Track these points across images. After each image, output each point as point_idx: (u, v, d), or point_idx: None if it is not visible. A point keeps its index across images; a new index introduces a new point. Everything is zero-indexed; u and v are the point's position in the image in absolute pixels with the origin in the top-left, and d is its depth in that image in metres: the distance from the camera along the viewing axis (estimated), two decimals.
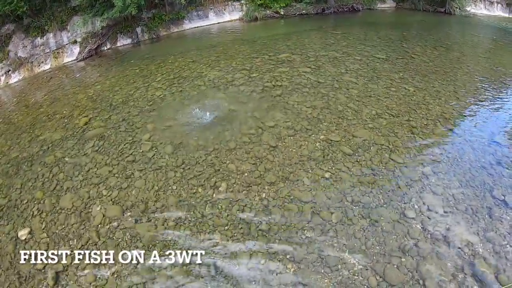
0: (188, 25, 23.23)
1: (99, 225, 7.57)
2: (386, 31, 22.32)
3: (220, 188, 8.19)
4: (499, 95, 13.68)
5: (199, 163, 9.03)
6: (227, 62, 15.23)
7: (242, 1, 25.01)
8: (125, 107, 12.10)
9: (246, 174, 8.59)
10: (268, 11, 25.28)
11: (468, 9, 31.05)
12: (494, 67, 17.18)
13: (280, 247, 6.82)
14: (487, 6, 33.89)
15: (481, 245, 6.91)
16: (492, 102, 12.97)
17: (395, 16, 29.47)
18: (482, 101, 12.97)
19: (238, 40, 19.42)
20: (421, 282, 6.17)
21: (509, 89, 14.58)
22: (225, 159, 9.11)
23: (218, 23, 24.12)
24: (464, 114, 11.87)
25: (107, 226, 7.53)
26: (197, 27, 23.36)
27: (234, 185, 8.28)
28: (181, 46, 19.26)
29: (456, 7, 30.36)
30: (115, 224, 7.57)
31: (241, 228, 7.24)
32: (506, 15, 33.50)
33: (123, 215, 7.74)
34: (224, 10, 24.65)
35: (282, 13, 25.63)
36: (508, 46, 22.81)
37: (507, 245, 6.92)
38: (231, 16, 24.83)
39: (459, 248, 6.79)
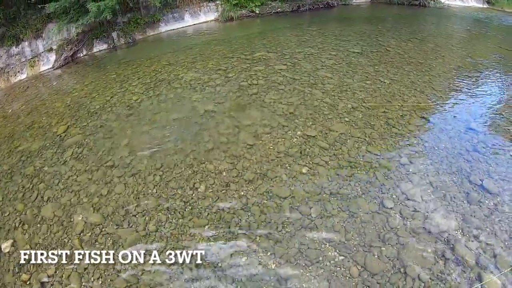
0: (164, 28, 23.10)
1: (81, 233, 7.56)
2: (361, 26, 22.54)
3: (199, 189, 8.25)
4: (473, 84, 13.96)
5: (177, 165, 9.07)
6: (203, 63, 15.27)
7: (218, 2, 24.96)
8: (102, 113, 12.06)
9: (224, 173, 8.67)
10: (243, 11, 25.28)
11: (442, 1, 31.37)
12: (469, 57, 17.49)
13: (261, 244, 6.88)
14: None
15: (460, 230, 7.08)
16: (467, 91, 13.24)
17: (370, 10, 29.70)
18: (457, 90, 13.24)
19: (214, 40, 19.43)
20: (402, 270, 6.30)
21: (483, 78, 14.90)
22: (203, 160, 9.16)
23: (194, 24, 24.03)
24: (439, 103, 12.10)
25: (89, 233, 7.54)
26: (173, 29, 23.23)
27: (213, 185, 8.34)
28: (158, 49, 19.18)
29: (431, 0, 30.68)
30: (97, 230, 7.57)
31: (222, 227, 7.30)
32: (480, 5, 33.90)
33: (105, 221, 7.75)
34: (200, 11, 24.56)
35: (257, 12, 25.65)
36: (482, 36, 23.17)
37: (487, 229, 7.11)
38: (207, 17, 24.75)
39: (439, 234, 6.96)
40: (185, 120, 10.97)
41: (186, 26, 23.84)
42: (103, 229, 7.59)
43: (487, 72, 15.68)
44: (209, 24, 24.25)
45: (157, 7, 21.51)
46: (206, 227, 7.34)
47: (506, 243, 6.86)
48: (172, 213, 7.73)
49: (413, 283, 6.12)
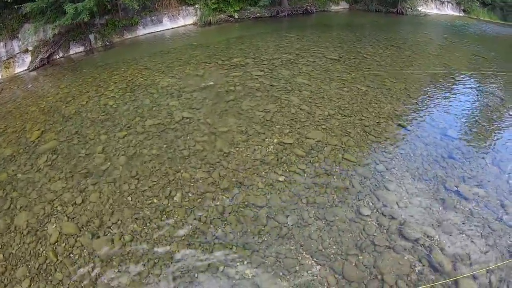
0: (142, 31, 22.97)
1: (56, 244, 7.39)
2: (339, 32, 22.76)
3: (175, 198, 8.18)
4: (449, 91, 14.27)
5: (153, 173, 9.00)
6: (180, 69, 15.23)
7: (196, 6, 24.94)
8: (78, 118, 11.88)
9: (200, 181, 8.62)
10: (222, 15, 25.40)
11: (419, 9, 32.06)
12: (445, 64, 17.82)
13: (238, 253, 6.86)
14: (438, 6, 34.96)
15: (437, 236, 7.22)
16: (442, 98, 13.52)
17: (348, 17, 30.06)
18: (433, 97, 13.50)
19: (191, 45, 19.39)
20: (379, 277, 6.35)
21: (459, 85, 15.23)
22: (179, 168, 9.12)
23: (172, 28, 23.99)
24: (415, 110, 12.32)
25: (64, 244, 7.37)
26: (151, 32, 23.15)
27: (189, 194, 8.28)
28: (135, 52, 19.03)
29: (408, 7, 31.32)
30: (71, 241, 7.41)
31: (198, 237, 7.24)
32: (457, 14, 34.71)
33: (80, 231, 7.58)
34: (178, 15, 24.52)
35: (236, 16, 25.81)
36: (458, 44, 23.68)
37: (463, 234, 7.29)
38: (185, 20, 24.74)
39: (415, 240, 7.07)
40: (161, 126, 10.89)
41: (164, 30, 23.78)
42: (78, 240, 7.42)
43: (462, 79, 16.01)
44: (187, 28, 24.25)
45: (135, 9, 21.33)
46: (183, 237, 7.26)
47: (482, 248, 7.02)
48: (148, 223, 7.62)
49: None
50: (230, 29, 23.96)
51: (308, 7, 28.82)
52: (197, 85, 13.39)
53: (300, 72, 14.59)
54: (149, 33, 23.12)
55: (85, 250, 7.20)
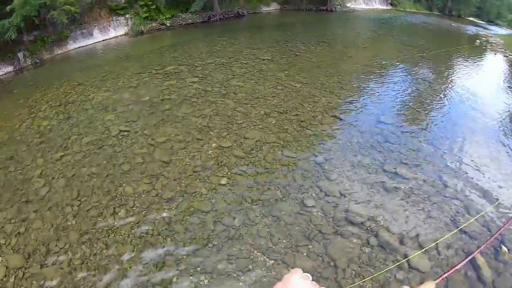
0: (73, 45, 22.35)
1: (4, 279, 7.07)
2: (271, 33, 23.26)
3: (120, 214, 8.09)
4: (380, 80, 15.01)
5: (95, 192, 8.83)
6: (114, 81, 15.02)
7: (127, 16, 24.57)
8: (11, 143, 11.42)
9: (143, 195, 8.57)
10: (154, 24, 25.28)
11: (348, 5, 33.38)
12: (375, 55, 18.64)
13: (189, 261, 6.86)
14: (366, 1, 36.45)
15: (381, 217, 7.56)
16: (375, 87, 14.21)
17: (280, 17, 30.69)
18: (365, 87, 14.15)
19: (124, 56, 19.13)
20: (332, 263, 6.53)
21: (389, 73, 16.03)
22: (121, 183, 9.02)
23: (104, 40, 23.48)
24: (349, 101, 12.86)
25: (12, 279, 7.05)
26: (82, 46, 22.56)
27: (134, 208, 8.21)
28: (67, 68, 18.57)
29: (337, 4, 32.51)
30: (20, 274, 7.10)
31: (147, 250, 7.20)
32: (384, 7, 36.25)
33: (27, 262, 7.29)
34: (109, 26, 24.07)
35: (168, 24, 25.77)
36: (387, 35, 24.82)
37: (406, 212, 7.71)
38: (117, 31, 24.32)
39: (361, 224, 7.37)
40: (99, 143, 10.70)
41: (95, 42, 23.23)
42: (27, 271, 7.12)
43: (392, 68, 16.83)
44: (119, 39, 23.86)
45: (64, 23, 20.63)
46: (133, 253, 7.16)
47: (426, 221, 7.49)
48: (96, 243, 7.48)
49: (344, 273, 6.35)
50: (162, 37, 23.86)
51: (240, 10, 29.32)
52: (132, 97, 13.29)
53: (234, 75, 14.82)
54: (80, 47, 22.53)
55: (34, 282, 6.92)
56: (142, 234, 7.59)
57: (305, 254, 6.79)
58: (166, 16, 25.86)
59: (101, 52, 21.58)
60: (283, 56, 17.87)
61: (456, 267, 3.08)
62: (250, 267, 6.65)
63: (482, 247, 4.17)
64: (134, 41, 23.46)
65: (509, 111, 13.96)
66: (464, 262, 3.51)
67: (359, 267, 6.48)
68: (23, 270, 7.21)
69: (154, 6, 25.36)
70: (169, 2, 26.32)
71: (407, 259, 6.51)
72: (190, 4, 26.58)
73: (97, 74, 16.40)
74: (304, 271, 1.35)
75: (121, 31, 24.59)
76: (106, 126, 11.50)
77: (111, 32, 24.25)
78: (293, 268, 6.01)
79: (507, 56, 26.69)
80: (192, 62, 16.65)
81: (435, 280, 2.11)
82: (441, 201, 8.14)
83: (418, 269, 6.45)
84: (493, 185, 8.97)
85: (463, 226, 7.28)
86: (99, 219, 8.09)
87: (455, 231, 7.19)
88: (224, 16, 28.39)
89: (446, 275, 2.78)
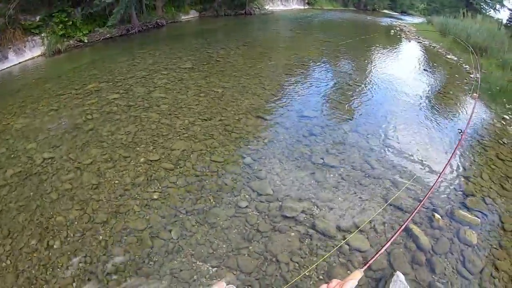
0: None
1: None
2: (191, 41, 23.41)
3: (55, 246, 7.74)
4: (302, 76, 15.69)
5: (26, 227, 8.39)
6: (34, 106, 14.43)
7: (43, 34, 23.60)
8: None
9: (76, 222, 8.31)
10: (71, 41, 24.44)
11: (266, 7, 34.20)
12: (294, 54, 19.21)
13: (134, 282, 6.72)
14: (284, 2, 37.48)
15: (315, 207, 7.85)
16: (297, 85, 14.82)
17: (199, 25, 30.84)
18: (287, 86, 14.68)
19: (42, 78, 18.37)
20: (274, 259, 6.66)
21: (310, 69, 16.78)
22: (52, 213, 8.65)
23: (20, 62, 22.38)
24: (272, 100, 13.24)
25: None
26: None
27: (68, 238, 7.92)
28: None
29: (255, 7, 33.18)
30: None
31: (89, 279, 6.93)
32: (302, 7, 37.42)
33: None
34: (25, 47, 22.87)
35: (86, 40, 25.06)
36: (304, 34, 25.69)
37: (338, 198, 8.08)
38: (33, 52, 23.21)
39: (297, 217, 7.60)
40: (23, 174, 10.23)
41: (11, 66, 22.07)
42: None
43: (313, 64, 17.55)
44: (36, 60, 22.85)
45: None
46: (73, 283, 6.86)
47: (359, 204, 7.94)
48: (34, 282, 7.07)
49: (287, 267, 6.50)
50: (81, 55, 23.17)
51: (158, 20, 29.14)
52: (53, 120, 12.86)
53: (155, 87, 14.80)
54: None
55: None
56: (80, 264, 7.32)
57: (246, 255, 6.88)
58: (84, 32, 25.10)
59: (18, 76, 20.53)
60: (204, 63, 18.04)
61: (386, 245, 3.35)
62: (195, 277, 6.64)
63: (411, 216, 4.53)
64: (52, 61, 22.58)
65: (426, 90, 15.07)
66: (397, 234, 3.81)
67: (302, 258, 6.69)
68: None
69: (70, 22, 24.57)
70: (85, 17, 25.59)
71: (345, 240, 6.87)
72: (107, 18, 25.94)
73: (15, 100, 15.65)
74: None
75: (38, 51, 23.53)
76: (29, 155, 11.01)
77: (27, 54, 23.13)
78: (237, 270, 6.16)
79: (420, 42, 28.49)
80: (112, 78, 16.39)
81: (362, 268, 2.33)
82: (370, 182, 8.68)
83: (359, 249, 6.83)
84: (415, 158, 9.81)
85: (391, 200, 7.87)
86: (34, 255, 7.67)
87: (385, 205, 7.76)
88: (143, 28, 28.08)
89: (372, 260, 3.03)
